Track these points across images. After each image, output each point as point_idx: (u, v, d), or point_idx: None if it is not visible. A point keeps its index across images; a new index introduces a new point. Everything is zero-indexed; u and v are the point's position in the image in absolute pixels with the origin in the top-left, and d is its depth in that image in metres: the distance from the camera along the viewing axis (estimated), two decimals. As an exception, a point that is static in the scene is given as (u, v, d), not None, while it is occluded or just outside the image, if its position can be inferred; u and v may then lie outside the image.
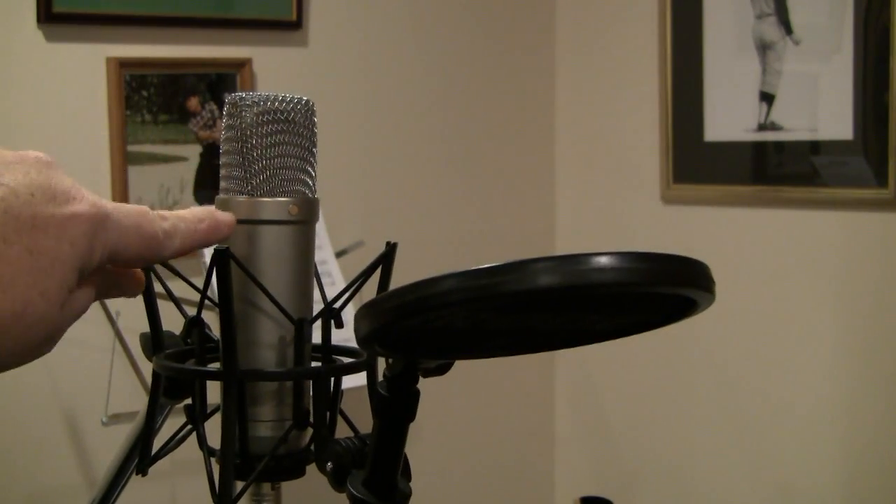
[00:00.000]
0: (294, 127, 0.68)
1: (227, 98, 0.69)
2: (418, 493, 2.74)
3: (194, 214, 0.61)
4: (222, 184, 0.68)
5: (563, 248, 2.99)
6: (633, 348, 2.83)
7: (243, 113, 0.67)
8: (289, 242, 0.68)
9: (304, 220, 0.68)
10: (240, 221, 0.66)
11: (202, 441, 0.68)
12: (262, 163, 0.67)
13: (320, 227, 2.29)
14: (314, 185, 0.69)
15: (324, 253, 2.27)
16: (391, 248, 0.75)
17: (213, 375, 0.69)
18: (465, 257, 2.81)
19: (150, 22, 2.32)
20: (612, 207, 2.87)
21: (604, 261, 0.51)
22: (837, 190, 2.42)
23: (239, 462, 0.68)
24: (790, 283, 2.53)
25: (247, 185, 0.67)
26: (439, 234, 2.79)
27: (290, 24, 2.49)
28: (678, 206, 2.71)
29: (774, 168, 2.55)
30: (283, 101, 0.68)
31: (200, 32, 2.39)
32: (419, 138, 2.76)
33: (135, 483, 1.07)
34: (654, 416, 2.81)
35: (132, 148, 2.29)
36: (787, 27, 2.48)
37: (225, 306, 0.65)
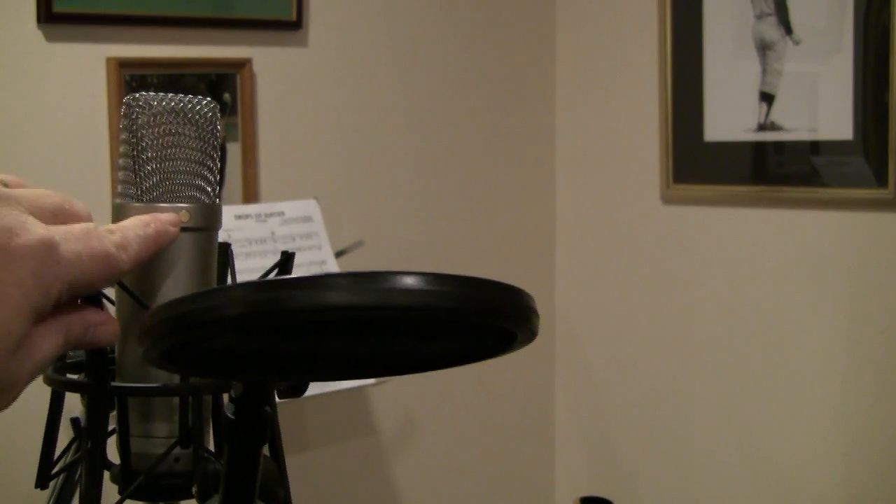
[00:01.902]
0: (191, 129, 0.64)
1: (124, 99, 0.65)
2: (418, 493, 2.75)
3: (140, 220, 0.58)
4: (118, 188, 0.65)
5: (563, 248, 2.99)
6: (633, 348, 2.83)
7: (137, 113, 0.64)
8: (184, 250, 0.63)
9: (200, 227, 0.64)
10: None
11: (84, 455, 0.66)
12: (153, 165, 0.63)
13: (320, 227, 2.29)
14: (214, 190, 0.65)
15: (323, 253, 2.27)
16: (288, 257, 0.70)
17: (75, 387, 0.66)
18: (466, 257, 2.81)
19: (150, 22, 2.32)
20: (612, 207, 2.86)
21: (399, 281, 0.46)
22: (837, 190, 2.42)
23: (124, 479, 0.65)
24: (790, 283, 2.53)
25: (138, 189, 0.63)
26: (439, 233, 2.79)
27: (290, 24, 2.49)
28: (678, 206, 2.71)
29: (774, 168, 2.55)
30: (179, 100, 0.64)
31: (200, 32, 2.39)
32: (419, 138, 2.76)
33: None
34: (654, 416, 2.81)
35: (132, 148, 2.29)
36: (787, 27, 2.48)
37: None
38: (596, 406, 2.96)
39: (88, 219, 0.56)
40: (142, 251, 0.56)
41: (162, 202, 0.63)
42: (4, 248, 0.49)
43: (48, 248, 0.50)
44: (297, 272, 0.69)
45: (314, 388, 2.12)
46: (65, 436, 0.75)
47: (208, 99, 0.65)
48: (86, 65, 2.24)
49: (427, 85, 2.76)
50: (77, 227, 0.53)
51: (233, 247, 0.74)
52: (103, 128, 2.25)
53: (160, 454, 0.65)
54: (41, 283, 0.50)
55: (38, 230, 0.51)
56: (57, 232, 0.52)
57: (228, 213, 2.17)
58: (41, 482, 0.69)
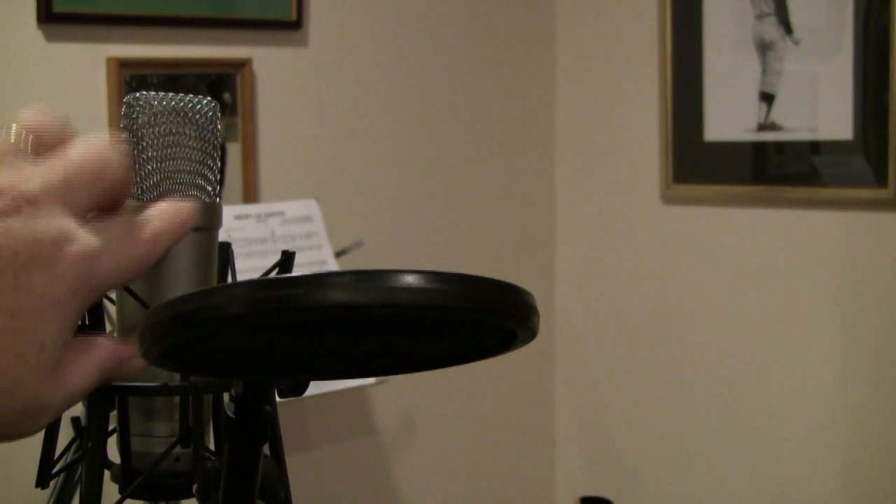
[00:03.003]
0: (192, 128, 0.64)
1: (124, 98, 0.65)
2: (418, 493, 2.75)
3: (172, 208, 0.55)
4: None
5: (563, 248, 2.99)
6: (633, 348, 2.83)
7: (137, 112, 0.64)
8: (185, 249, 0.63)
9: (201, 226, 0.64)
10: None
11: (85, 454, 0.66)
12: (153, 164, 0.63)
13: (320, 227, 2.29)
14: (215, 189, 0.65)
15: (323, 253, 2.27)
16: (288, 257, 0.70)
17: None
18: (466, 257, 2.81)
19: (150, 22, 2.32)
20: (612, 207, 2.87)
21: (400, 280, 0.46)
22: (837, 190, 2.42)
23: (125, 478, 0.65)
24: (790, 283, 2.53)
25: (138, 189, 0.63)
26: (439, 233, 2.79)
27: (290, 24, 2.49)
28: (678, 206, 2.71)
29: (774, 168, 2.55)
30: (180, 100, 0.64)
31: (200, 32, 2.39)
32: (419, 138, 2.76)
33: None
34: (654, 416, 2.81)
35: (132, 148, 2.28)
36: (787, 27, 2.48)
37: (93, 314, 0.61)
38: (596, 406, 2.96)
39: (124, 185, 0.52)
40: (170, 242, 0.54)
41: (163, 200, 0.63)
42: (48, 265, 0.46)
43: (90, 262, 0.48)
44: (296, 272, 0.69)
45: (314, 388, 2.12)
46: (65, 435, 0.75)
47: (209, 98, 0.65)
48: (86, 65, 2.24)
49: (427, 85, 2.76)
50: (117, 228, 0.51)
51: (233, 247, 0.73)
52: (103, 128, 2.25)
53: (161, 453, 0.65)
54: (80, 298, 0.48)
55: (81, 241, 0.48)
56: (99, 235, 0.49)
57: (228, 213, 2.17)
58: (41, 482, 0.69)
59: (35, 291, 0.46)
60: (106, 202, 0.51)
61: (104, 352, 0.52)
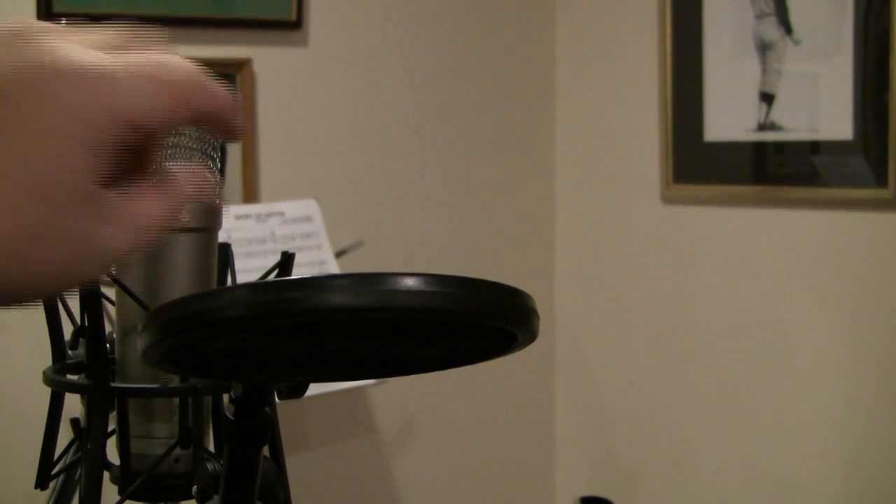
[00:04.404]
0: (191, 129, 0.64)
1: None
2: (418, 493, 2.75)
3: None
4: None
5: (563, 248, 2.99)
6: (633, 348, 2.82)
7: None
8: (186, 250, 0.64)
9: (201, 227, 0.65)
10: None
11: (84, 456, 0.66)
12: None
13: (320, 227, 2.29)
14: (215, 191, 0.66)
15: (323, 253, 2.27)
16: (288, 258, 0.71)
17: (75, 388, 0.66)
18: (466, 257, 2.81)
19: (150, 22, 2.32)
20: (612, 207, 2.86)
21: (400, 283, 0.46)
22: (837, 190, 2.42)
23: (124, 479, 0.66)
24: (790, 283, 2.53)
25: None
26: (439, 234, 2.79)
27: (290, 24, 2.49)
28: (678, 206, 2.71)
29: (774, 168, 2.55)
30: None
31: (200, 32, 2.39)
32: (419, 138, 2.76)
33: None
34: (654, 416, 2.81)
35: (132, 148, 2.28)
36: (787, 27, 2.48)
37: (92, 314, 0.61)
38: (596, 406, 2.95)
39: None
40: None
41: None
42: (39, 89, 0.40)
43: (97, 84, 0.42)
44: (297, 272, 0.69)
45: (314, 388, 2.11)
46: (65, 436, 0.74)
47: None
48: (86, 65, 2.24)
49: (427, 85, 2.76)
50: (141, 56, 0.44)
51: (233, 247, 0.73)
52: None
53: (160, 455, 0.65)
54: (95, 129, 0.41)
55: (84, 57, 0.42)
56: (120, 58, 0.43)
57: (228, 213, 2.17)
58: (41, 482, 0.69)
59: (32, 121, 0.39)
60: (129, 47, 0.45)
61: (177, 191, 0.46)
